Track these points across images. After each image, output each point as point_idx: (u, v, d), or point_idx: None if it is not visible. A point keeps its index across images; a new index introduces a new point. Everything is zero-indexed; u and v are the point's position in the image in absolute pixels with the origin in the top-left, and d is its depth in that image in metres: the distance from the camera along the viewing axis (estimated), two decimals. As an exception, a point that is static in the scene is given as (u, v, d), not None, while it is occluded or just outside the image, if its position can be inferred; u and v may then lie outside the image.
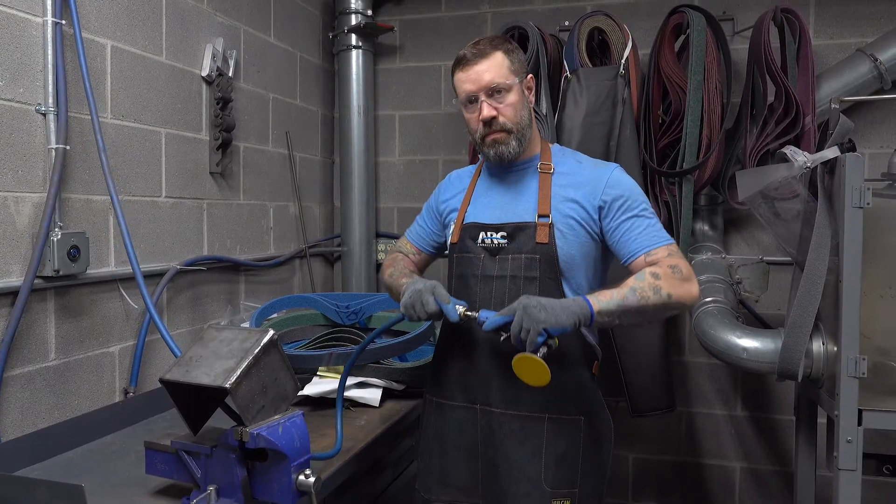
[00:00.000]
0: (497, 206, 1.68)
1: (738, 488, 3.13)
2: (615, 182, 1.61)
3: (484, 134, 1.63)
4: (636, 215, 1.58)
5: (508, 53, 1.61)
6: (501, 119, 1.60)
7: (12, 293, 1.69)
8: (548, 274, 1.60)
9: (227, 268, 2.61)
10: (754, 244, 3.02)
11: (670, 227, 2.80)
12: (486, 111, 1.59)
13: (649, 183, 2.81)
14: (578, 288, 1.62)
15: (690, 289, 1.53)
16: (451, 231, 1.76)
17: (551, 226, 1.59)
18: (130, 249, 1.93)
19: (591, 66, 2.75)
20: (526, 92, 1.65)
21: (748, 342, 2.28)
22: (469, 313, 1.55)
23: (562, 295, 1.59)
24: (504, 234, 1.63)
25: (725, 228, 3.01)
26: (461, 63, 1.62)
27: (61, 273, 1.77)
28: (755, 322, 2.87)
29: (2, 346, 1.66)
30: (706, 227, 2.94)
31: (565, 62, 2.76)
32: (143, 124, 2.15)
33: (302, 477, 1.31)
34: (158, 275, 2.19)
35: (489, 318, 1.51)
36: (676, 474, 3.20)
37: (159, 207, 2.24)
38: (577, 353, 1.65)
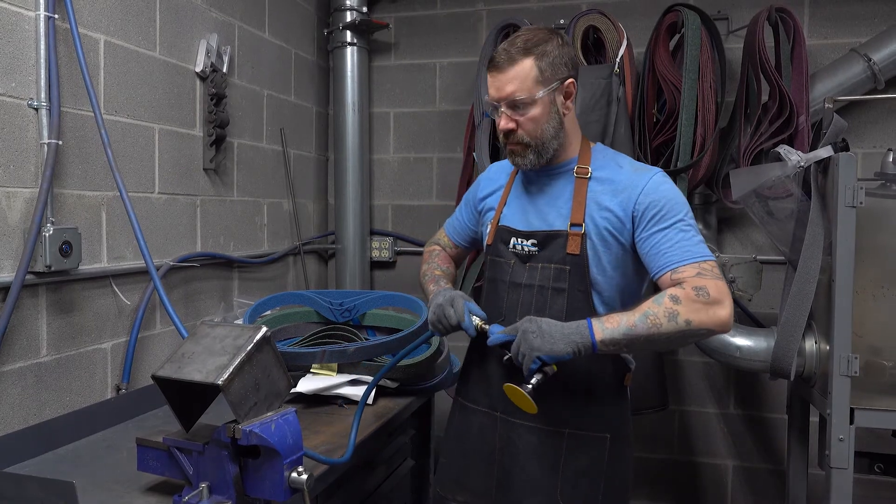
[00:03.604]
0: (529, 212, 1.62)
1: (731, 486, 3.14)
2: (652, 189, 1.48)
3: (504, 142, 1.58)
4: (669, 227, 1.44)
5: (541, 59, 1.50)
6: (520, 132, 1.53)
7: (3, 289, 1.68)
8: (578, 286, 1.52)
9: (221, 264, 2.60)
10: (748, 243, 3.02)
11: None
12: (503, 123, 1.53)
13: (644, 181, 2.81)
14: (611, 302, 1.54)
15: (718, 313, 1.37)
16: (487, 231, 1.71)
17: (584, 236, 1.51)
18: (142, 242, 1.92)
19: (585, 64, 2.75)
20: (560, 99, 1.53)
21: (741, 341, 2.29)
22: (484, 326, 1.54)
23: (591, 309, 1.52)
24: (534, 241, 1.57)
25: (719, 227, 3.02)
26: (491, 65, 1.54)
27: (53, 269, 1.76)
28: (748, 321, 2.88)
29: (-7, 342, 1.65)
30: (700, 226, 2.93)
31: (560, 60, 2.76)
32: (136, 120, 2.14)
33: (294, 474, 1.31)
34: (151, 271, 2.18)
35: (494, 334, 1.50)
36: (669, 472, 3.21)
37: (152, 203, 2.23)
38: (608, 365, 1.57)
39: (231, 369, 1.28)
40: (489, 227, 1.69)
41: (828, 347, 2.03)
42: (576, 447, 1.55)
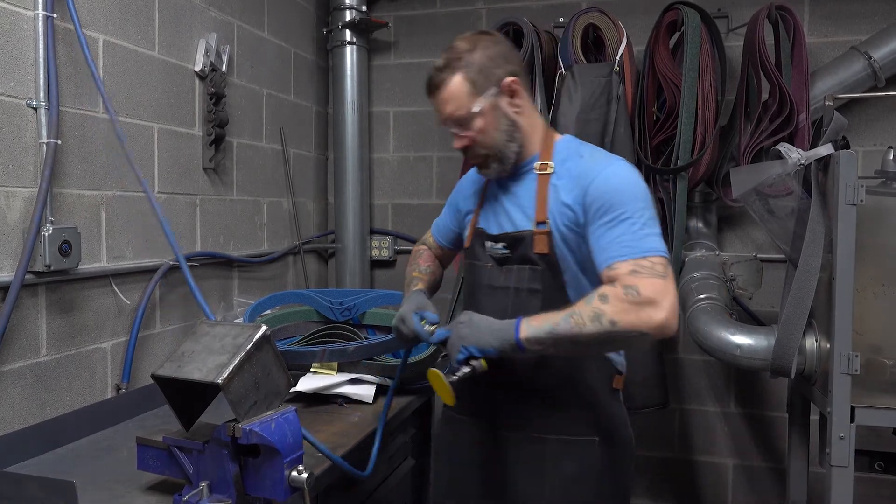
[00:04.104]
0: (500, 214, 1.59)
1: (731, 485, 3.14)
2: (602, 181, 1.40)
3: (466, 158, 1.58)
4: (612, 220, 1.36)
5: (468, 70, 1.45)
6: (474, 146, 1.51)
7: (3, 288, 1.67)
8: (552, 286, 1.48)
9: (221, 264, 2.60)
10: (748, 242, 3.02)
11: (664, 224, 2.81)
12: (456, 143, 1.52)
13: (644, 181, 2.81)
14: None
15: (650, 315, 1.26)
16: (466, 234, 1.69)
17: (549, 234, 1.46)
18: (173, 240, 1.91)
19: (585, 62, 2.75)
20: (505, 101, 1.49)
21: (742, 339, 2.28)
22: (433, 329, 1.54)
23: (558, 302, 1.44)
24: (504, 244, 1.54)
25: (719, 226, 3.02)
26: (426, 88, 1.53)
27: (52, 268, 1.75)
28: (749, 319, 2.88)
29: (-8, 342, 1.65)
30: (700, 225, 2.95)
31: (560, 59, 2.76)
32: (135, 119, 2.14)
33: (295, 473, 1.31)
34: (151, 270, 2.18)
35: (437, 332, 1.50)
36: (670, 471, 3.20)
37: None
38: (591, 368, 1.54)
39: (231, 368, 1.27)
40: (468, 229, 1.68)
41: (828, 345, 2.03)
42: (562, 453, 1.51)
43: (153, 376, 1.36)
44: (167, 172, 2.29)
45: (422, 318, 1.58)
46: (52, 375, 1.85)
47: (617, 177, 1.41)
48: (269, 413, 1.34)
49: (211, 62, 2.44)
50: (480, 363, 1.39)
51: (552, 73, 2.81)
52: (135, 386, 2.08)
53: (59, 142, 1.80)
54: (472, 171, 1.74)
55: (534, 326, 1.34)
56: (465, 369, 1.39)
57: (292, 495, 1.32)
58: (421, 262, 1.87)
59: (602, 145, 2.63)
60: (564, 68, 2.71)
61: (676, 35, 2.82)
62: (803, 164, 2.05)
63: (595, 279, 1.42)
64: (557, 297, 1.46)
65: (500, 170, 1.53)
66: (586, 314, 1.30)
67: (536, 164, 1.52)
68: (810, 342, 2.12)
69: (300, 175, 3.21)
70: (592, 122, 2.65)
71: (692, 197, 2.88)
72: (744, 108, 2.71)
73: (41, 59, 1.76)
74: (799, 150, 2.05)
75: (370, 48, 3.38)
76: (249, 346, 1.31)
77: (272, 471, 1.30)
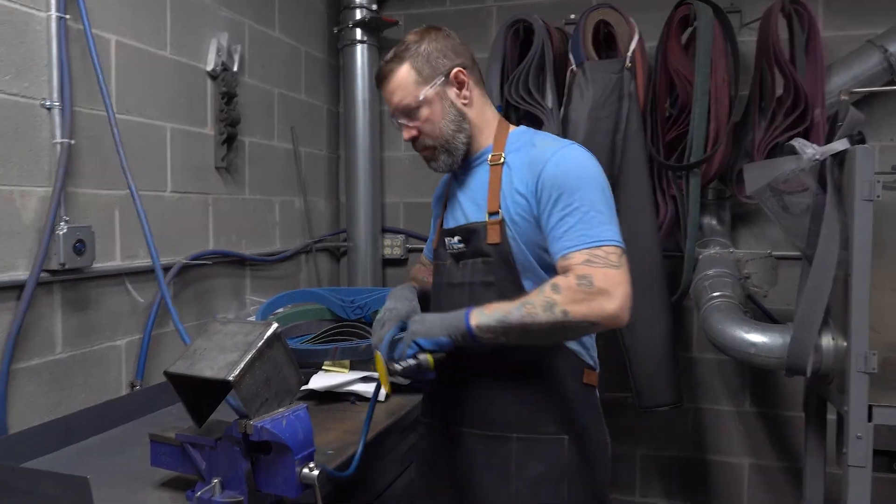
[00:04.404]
0: (456, 209, 1.57)
1: (747, 485, 3.11)
2: (554, 166, 1.37)
3: (416, 151, 1.56)
4: (566, 208, 1.33)
5: (416, 60, 1.47)
6: (422, 137, 1.51)
7: (19, 287, 1.70)
8: (505, 277, 1.44)
9: (233, 262, 2.61)
10: (763, 239, 2.99)
11: (677, 221, 2.79)
12: (405, 134, 1.52)
13: (656, 177, 2.80)
14: None
15: (603, 305, 1.26)
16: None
17: (502, 223, 1.43)
18: (151, 240, 1.94)
19: (597, 59, 2.74)
20: (453, 92, 1.49)
21: (756, 337, 2.26)
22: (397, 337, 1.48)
23: (513, 293, 1.40)
24: (459, 237, 1.52)
25: (733, 223, 2.99)
26: (376, 80, 1.55)
27: (67, 267, 1.77)
28: (764, 317, 2.85)
29: (9, 339, 1.67)
30: (714, 222, 2.92)
31: (571, 55, 2.75)
32: (148, 119, 2.16)
33: (306, 470, 1.31)
34: (164, 269, 2.19)
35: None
36: (684, 470, 3.18)
37: (165, 202, 2.24)
38: (558, 364, 1.49)
39: (242, 365, 1.28)
40: (436, 232, 1.66)
41: (845, 344, 2.00)
42: (528, 452, 1.46)
43: (166, 374, 1.37)
44: (180, 172, 2.30)
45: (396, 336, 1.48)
46: (67, 373, 1.87)
47: (567, 161, 1.38)
48: (280, 410, 1.34)
49: (222, 62, 2.45)
50: (427, 358, 1.36)
51: (563, 71, 2.80)
52: (149, 383, 2.10)
53: (73, 141, 1.82)
54: (445, 177, 1.71)
55: (485, 315, 1.33)
56: (411, 361, 1.37)
57: (304, 492, 1.32)
58: (413, 274, 1.84)
59: (613, 142, 2.63)
60: (575, 65, 2.70)
61: (689, 30, 2.80)
62: (818, 160, 2.02)
63: (551, 269, 1.40)
64: (512, 289, 1.43)
65: (450, 162, 1.52)
66: (539, 303, 1.28)
67: (489, 156, 1.50)
68: (826, 340, 2.09)
69: (312, 174, 3.22)
70: (604, 119, 2.63)
71: (705, 194, 2.86)
72: (758, 104, 2.69)
73: (54, 60, 1.78)
74: (814, 145, 2.02)
75: (381, 47, 3.37)
76: (260, 344, 1.32)
77: (283, 467, 1.31)
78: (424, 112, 1.48)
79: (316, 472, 1.30)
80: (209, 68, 2.42)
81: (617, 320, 1.28)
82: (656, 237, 2.64)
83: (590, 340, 1.52)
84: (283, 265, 2.96)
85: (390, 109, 1.53)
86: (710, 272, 2.62)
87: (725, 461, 3.14)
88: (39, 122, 1.77)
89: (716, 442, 3.15)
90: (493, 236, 1.44)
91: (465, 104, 1.50)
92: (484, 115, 1.53)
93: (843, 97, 2.12)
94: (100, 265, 1.94)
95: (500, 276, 1.44)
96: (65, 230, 1.77)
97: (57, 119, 1.79)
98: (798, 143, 2.02)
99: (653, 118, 2.76)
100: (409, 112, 1.49)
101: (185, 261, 2.27)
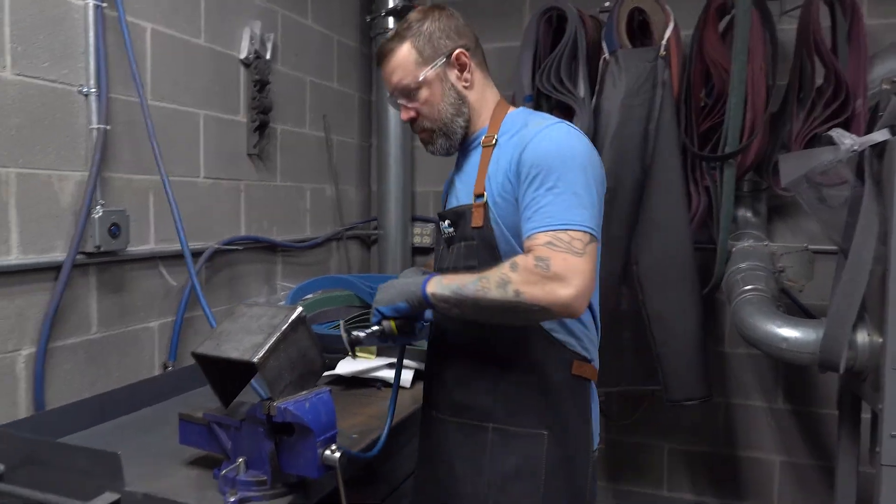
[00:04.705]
0: (451, 193, 1.55)
1: (777, 482, 3.06)
2: (534, 145, 1.31)
3: (415, 133, 1.53)
4: (540, 187, 1.28)
5: (417, 40, 1.43)
6: (420, 119, 1.47)
7: (56, 268, 1.75)
8: (487, 261, 1.36)
9: (265, 248, 2.65)
10: (799, 232, 2.92)
11: (710, 213, 2.74)
12: (403, 114, 1.48)
13: (689, 168, 2.75)
14: None
15: (556, 291, 1.19)
16: None
17: (486, 206, 1.38)
18: (180, 227, 1.98)
19: (630, 47, 2.70)
20: (454, 74, 1.44)
21: (788, 332, 2.21)
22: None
23: None
24: (449, 221, 1.49)
25: (769, 216, 2.93)
26: (377, 59, 1.51)
27: (102, 249, 1.82)
28: (799, 312, 2.79)
29: (46, 319, 1.72)
30: (749, 214, 2.86)
31: (604, 43, 2.71)
32: (182, 106, 2.20)
33: (328, 452, 1.32)
34: (197, 253, 2.24)
35: None
36: (713, 466, 3.14)
37: (198, 188, 2.28)
38: (540, 351, 1.40)
39: (266, 347, 1.30)
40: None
41: (880, 340, 1.95)
42: (504, 444, 1.40)
43: (193, 354, 1.40)
44: (213, 158, 2.34)
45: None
46: (102, 352, 1.92)
47: (549, 140, 1.31)
48: (303, 393, 1.36)
49: (255, 50, 2.48)
50: (390, 324, 1.36)
51: (596, 59, 2.77)
52: (181, 364, 2.15)
53: (109, 127, 1.87)
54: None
55: (443, 284, 1.30)
56: (375, 328, 1.37)
57: (325, 474, 1.34)
58: (432, 261, 1.83)
59: (646, 132, 2.59)
60: (609, 53, 2.67)
61: (727, 18, 2.74)
62: (857, 151, 1.97)
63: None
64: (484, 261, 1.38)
65: (448, 146, 1.49)
66: (494, 279, 1.24)
67: (483, 138, 1.46)
68: (861, 336, 2.04)
69: (343, 162, 3.25)
70: (637, 108, 2.59)
71: (741, 186, 2.80)
72: (797, 94, 2.62)
73: (91, 48, 1.82)
74: (852, 135, 1.97)
75: (414, 35, 3.37)
76: (285, 327, 1.34)
77: (306, 449, 1.32)
78: (424, 94, 1.44)
79: (337, 455, 1.32)
80: (242, 56, 2.45)
81: (569, 309, 1.21)
82: (688, 229, 2.60)
83: (582, 329, 1.42)
84: (313, 252, 2.99)
85: (389, 89, 1.49)
86: (743, 265, 2.57)
87: (756, 458, 3.09)
88: (76, 109, 1.82)
89: (747, 438, 3.10)
90: (476, 220, 1.40)
91: (465, 87, 1.45)
92: (484, 98, 1.49)
93: (884, 86, 2.06)
94: (134, 248, 1.99)
95: (483, 260, 1.37)
96: (100, 214, 1.82)
97: (93, 105, 1.83)
98: (836, 133, 1.97)
99: (687, 108, 2.71)
100: (408, 93, 1.45)
101: (217, 246, 2.31)
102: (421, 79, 1.43)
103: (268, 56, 2.56)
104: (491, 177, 1.39)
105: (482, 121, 1.48)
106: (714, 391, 2.77)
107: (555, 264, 1.20)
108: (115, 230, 1.85)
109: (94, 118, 1.83)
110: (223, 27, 2.37)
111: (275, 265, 2.73)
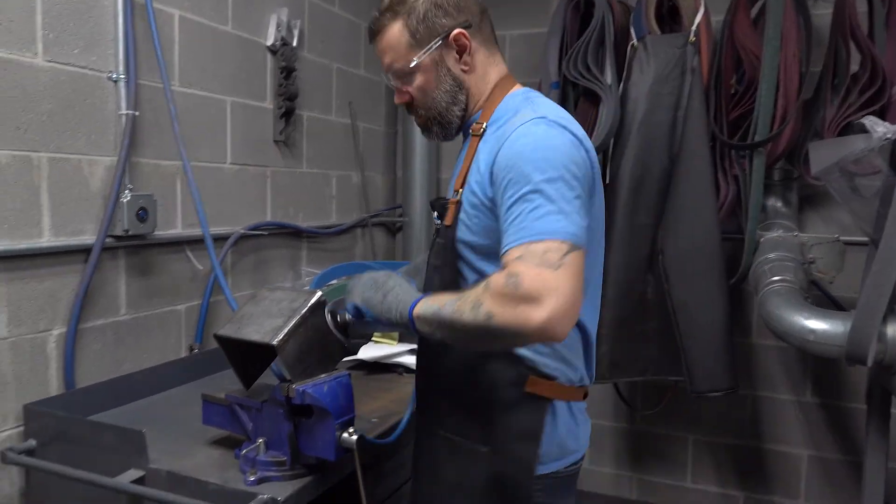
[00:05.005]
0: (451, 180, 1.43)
1: (805, 476, 3.01)
2: (510, 143, 1.17)
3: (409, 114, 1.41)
4: (514, 194, 1.13)
5: (410, 18, 1.28)
6: (415, 104, 1.35)
7: (86, 250, 1.79)
8: (449, 262, 1.29)
9: (290, 234, 2.68)
10: (832, 223, 2.86)
11: (739, 202, 2.69)
12: (397, 98, 1.36)
13: (718, 156, 2.70)
14: None
15: (527, 314, 1.02)
16: None
17: (458, 203, 1.27)
18: (201, 213, 2.01)
19: (659, 33, 2.65)
20: (452, 57, 1.30)
21: (816, 323, 2.17)
22: None
23: (459, 288, 1.23)
24: (437, 214, 1.38)
25: (801, 205, 2.87)
26: (368, 34, 1.37)
27: (131, 233, 1.86)
28: (829, 304, 2.74)
29: (77, 300, 1.77)
30: (779, 204, 2.81)
31: (632, 29, 2.67)
32: (209, 92, 2.22)
33: (346, 434, 1.34)
34: (223, 238, 2.28)
35: None
36: (739, 458, 3.11)
37: (224, 174, 2.32)
38: (492, 364, 1.28)
39: (286, 330, 1.32)
40: None
41: (912, 333, 1.91)
42: (450, 454, 1.33)
43: (215, 335, 1.43)
44: (239, 144, 2.37)
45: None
46: (130, 334, 1.97)
47: (525, 138, 1.16)
48: (322, 376, 1.38)
49: (282, 36, 2.50)
50: (344, 316, 1.35)
51: (624, 45, 2.73)
52: (207, 347, 2.19)
53: (137, 113, 1.90)
54: None
55: (426, 305, 1.17)
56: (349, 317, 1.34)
57: (343, 456, 1.36)
58: None
59: (674, 119, 2.55)
60: (637, 39, 2.63)
61: (758, 4, 2.68)
62: (890, 139, 1.91)
63: (494, 261, 1.21)
64: (449, 274, 1.29)
65: (444, 134, 1.36)
66: (469, 300, 1.09)
67: (473, 125, 1.33)
68: (892, 329, 1.99)
69: (369, 149, 3.26)
70: (665, 96, 2.56)
71: (771, 174, 2.75)
72: (831, 80, 2.55)
73: (120, 34, 1.85)
74: (886, 123, 1.91)
75: (441, 22, 3.36)
76: (304, 311, 1.35)
77: (324, 431, 1.35)
78: (417, 79, 1.31)
79: (355, 437, 1.33)
80: (269, 43, 2.47)
81: (546, 334, 1.04)
82: (716, 218, 2.56)
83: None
84: (339, 238, 3.02)
85: (382, 67, 1.37)
86: (772, 255, 2.53)
87: (783, 451, 3.05)
88: (106, 94, 1.85)
89: (773, 431, 3.06)
90: (449, 217, 1.29)
91: (464, 70, 1.31)
92: (485, 79, 1.34)
93: (922, 73, 2.00)
94: (161, 233, 2.02)
95: (445, 260, 1.29)
96: (128, 198, 1.85)
97: (122, 91, 1.87)
98: (869, 121, 1.92)
99: (717, 95, 2.66)
100: (401, 76, 1.32)
101: (242, 231, 2.34)
102: (413, 64, 1.29)
103: (294, 43, 2.57)
104: (472, 172, 1.27)
105: (479, 104, 1.34)
106: (741, 383, 2.73)
107: (526, 281, 1.03)
108: (142, 214, 1.89)
109: (123, 104, 1.86)
110: (250, 14, 2.39)
111: (300, 251, 2.76)
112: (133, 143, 1.90)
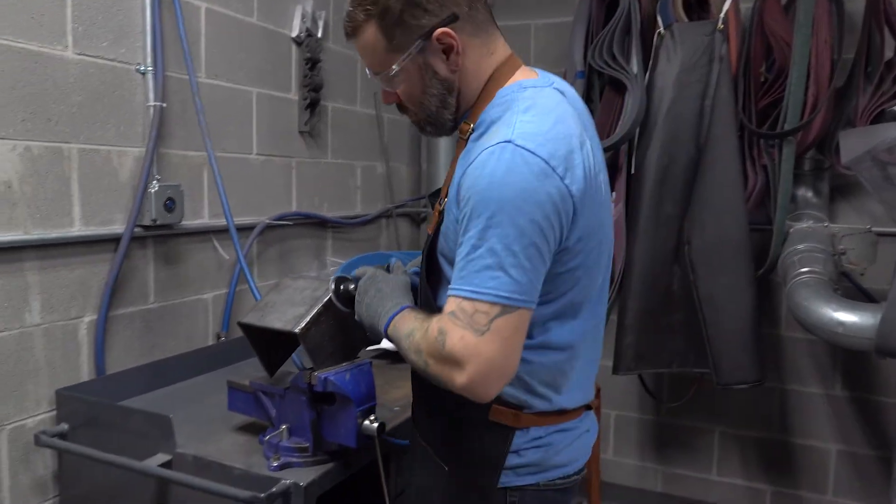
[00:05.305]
0: None
1: (833, 471, 2.97)
2: (471, 172, 1.06)
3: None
4: (466, 232, 1.04)
5: (384, 20, 1.13)
6: (404, 105, 1.24)
7: (115, 240, 1.83)
8: (426, 274, 1.23)
9: (315, 224, 2.71)
10: (864, 213, 2.79)
11: (768, 192, 2.65)
12: (383, 98, 1.25)
13: (747, 146, 2.66)
14: None
15: (451, 374, 1.03)
16: None
17: (442, 212, 1.17)
18: (226, 203, 2.04)
19: (687, 21, 2.61)
20: (440, 58, 1.15)
21: (845, 316, 2.13)
22: None
23: (431, 302, 1.20)
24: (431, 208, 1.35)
25: (832, 195, 2.81)
26: (344, 31, 1.25)
27: (158, 222, 1.89)
28: (860, 296, 2.68)
29: (107, 289, 1.81)
30: (809, 194, 2.75)
31: (659, 17, 2.63)
32: (235, 84, 2.25)
33: (367, 422, 1.36)
34: (248, 228, 2.31)
35: None
36: (766, 451, 3.07)
37: (250, 164, 2.34)
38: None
39: (308, 318, 1.34)
40: None
41: (945, 326, 1.87)
42: (423, 460, 1.31)
43: (239, 323, 1.46)
44: (265, 135, 2.39)
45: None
46: (159, 322, 2.01)
47: (483, 169, 1.03)
48: (344, 364, 1.40)
49: (307, 28, 2.51)
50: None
51: (650, 34, 2.69)
52: (233, 335, 2.23)
53: (165, 105, 1.93)
54: None
55: (395, 328, 1.16)
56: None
57: (364, 443, 1.38)
58: None
59: (702, 108, 2.51)
60: (663, 27, 2.59)
61: (790, -11, 2.62)
62: (924, 127, 1.87)
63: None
64: (425, 287, 1.23)
65: (438, 133, 1.27)
66: (416, 339, 1.09)
67: (462, 124, 1.21)
68: (924, 322, 1.96)
69: (394, 140, 3.27)
70: (692, 84, 2.52)
71: (801, 164, 2.70)
72: (864, 68, 2.49)
73: (148, 27, 1.88)
74: (920, 111, 1.87)
75: (465, 12, 3.34)
76: (326, 299, 1.37)
77: (346, 418, 1.37)
78: (402, 84, 1.19)
79: (376, 425, 1.35)
80: (294, 34, 2.49)
81: (469, 394, 1.04)
82: (743, 208, 2.52)
83: (527, 370, 1.14)
84: (363, 229, 3.04)
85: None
86: (801, 247, 2.48)
87: (811, 445, 3.00)
88: (134, 86, 1.88)
89: (801, 424, 3.01)
90: (431, 225, 1.22)
91: (454, 71, 1.16)
92: (478, 76, 1.19)
93: (959, 59, 1.94)
94: (188, 222, 2.06)
95: (429, 270, 1.22)
96: (156, 188, 1.89)
97: (150, 83, 1.90)
98: (902, 108, 1.87)
99: (745, 83, 2.62)
100: (385, 80, 1.20)
101: (268, 221, 2.37)
102: (394, 71, 1.16)
103: (319, 34, 2.59)
104: (452, 184, 1.14)
105: (470, 102, 1.20)
106: (768, 376, 2.70)
107: (449, 342, 1.03)
108: (170, 204, 1.92)
109: (151, 96, 1.90)
110: (275, 6, 2.40)
111: (325, 241, 2.79)
112: (161, 135, 1.93)
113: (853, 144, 2.05)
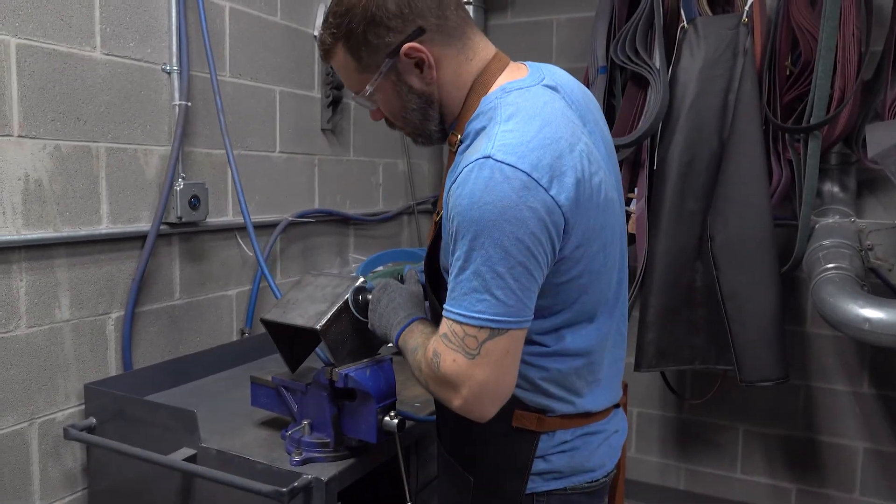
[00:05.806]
0: None
1: (860, 470, 2.93)
2: (454, 189, 1.02)
3: None
4: (455, 252, 1.02)
5: (349, 41, 1.12)
6: (390, 120, 1.24)
7: (142, 237, 1.87)
8: (431, 285, 1.23)
9: (337, 221, 2.73)
10: (892, 208, 2.74)
11: (793, 187, 2.61)
12: (371, 116, 1.25)
13: (771, 140, 2.63)
14: None
15: (447, 396, 1.06)
16: None
17: (439, 223, 1.15)
18: (243, 203, 2.06)
19: (711, 15, 2.58)
20: (414, 74, 1.12)
21: (871, 312, 2.10)
22: None
23: (427, 314, 1.24)
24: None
25: (859, 190, 2.76)
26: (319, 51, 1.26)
27: (183, 220, 1.93)
28: (888, 293, 2.64)
29: (133, 285, 1.84)
30: (836, 189, 2.71)
31: (682, 11, 2.60)
32: (258, 82, 2.27)
33: (387, 418, 1.37)
34: (272, 225, 2.33)
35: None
36: (791, 449, 3.04)
37: (273, 162, 2.37)
38: None
39: (329, 315, 1.35)
40: None
41: (975, 324, 1.83)
42: (446, 469, 1.31)
43: (261, 320, 1.48)
44: (288, 133, 2.42)
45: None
46: (184, 318, 2.05)
47: (464, 188, 1.00)
48: (365, 360, 1.41)
49: (329, 26, 2.53)
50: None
51: (673, 28, 2.67)
52: (257, 331, 2.26)
53: (190, 104, 1.96)
54: None
55: (406, 340, 1.18)
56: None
57: (385, 439, 1.39)
58: None
59: (725, 102, 2.48)
60: (687, 21, 2.56)
61: (817, -19, 2.58)
62: (955, 121, 1.83)
63: None
64: (433, 301, 1.23)
65: (429, 143, 1.25)
66: (419, 357, 1.11)
67: (450, 135, 1.19)
68: (954, 319, 1.92)
69: (415, 136, 3.27)
70: (716, 79, 2.49)
71: (828, 158, 2.65)
72: (892, 61, 2.44)
73: (174, 27, 1.91)
74: (950, 105, 1.83)
75: (487, 7, 3.35)
76: (347, 296, 1.38)
77: (366, 414, 1.38)
78: (381, 102, 1.19)
79: (396, 421, 1.36)
80: (317, 33, 2.51)
81: (466, 415, 1.06)
82: (768, 204, 2.49)
83: (543, 375, 1.15)
84: (385, 225, 3.05)
85: None
86: (826, 242, 2.45)
87: (838, 443, 2.96)
88: (160, 86, 1.92)
89: (827, 422, 2.97)
90: (430, 234, 1.21)
91: (430, 83, 1.14)
92: (458, 85, 1.15)
93: None
94: (213, 220, 2.09)
95: (429, 281, 1.23)
96: (181, 186, 1.92)
97: (175, 82, 1.93)
98: (931, 102, 1.83)
99: (770, 77, 2.58)
100: (364, 99, 1.19)
101: (291, 218, 2.39)
102: (368, 91, 1.16)
103: (340, 32, 2.60)
104: (445, 195, 1.11)
105: (455, 113, 1.18)
106: (794, 373, 2.66)
107: (443, 365, 1.04)
108: (194, 202, 1.96)
109: (177, 95, 1.93)
110: (298, 4, 2.42)
111: (347, 237, 2.81)
112: (186, 133, 1.97)
113: (880, 138, 2.02)
